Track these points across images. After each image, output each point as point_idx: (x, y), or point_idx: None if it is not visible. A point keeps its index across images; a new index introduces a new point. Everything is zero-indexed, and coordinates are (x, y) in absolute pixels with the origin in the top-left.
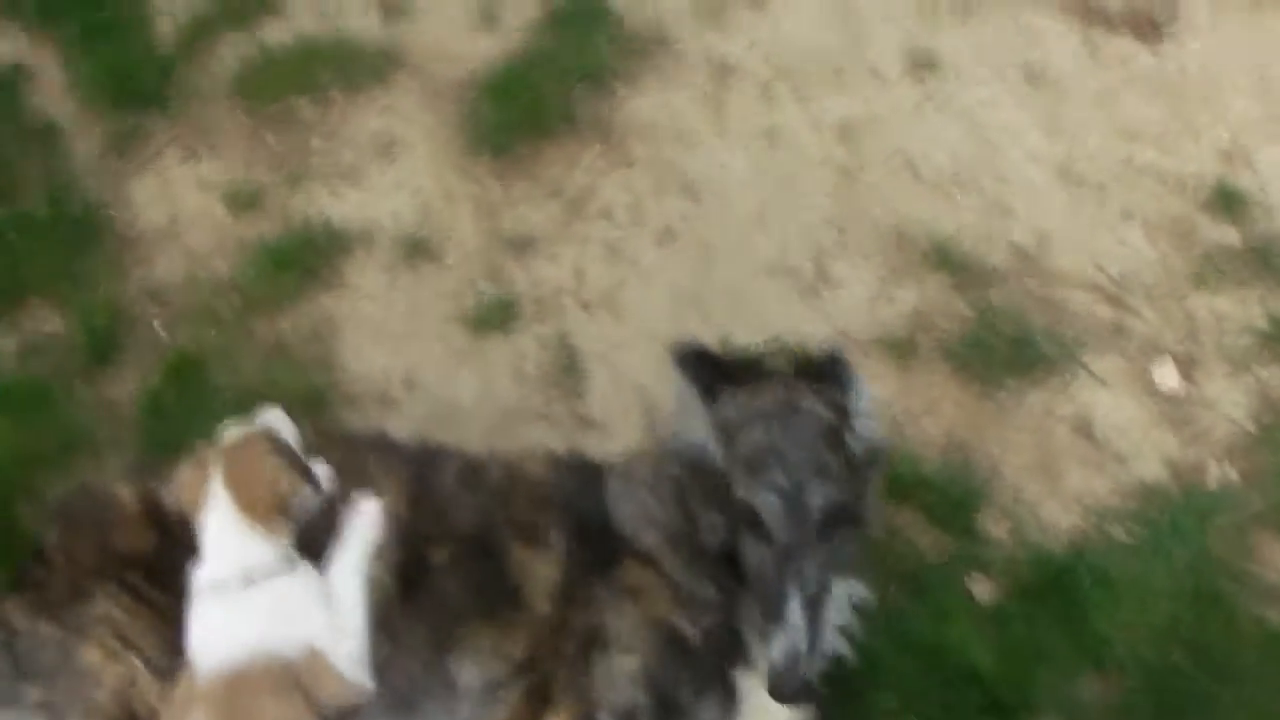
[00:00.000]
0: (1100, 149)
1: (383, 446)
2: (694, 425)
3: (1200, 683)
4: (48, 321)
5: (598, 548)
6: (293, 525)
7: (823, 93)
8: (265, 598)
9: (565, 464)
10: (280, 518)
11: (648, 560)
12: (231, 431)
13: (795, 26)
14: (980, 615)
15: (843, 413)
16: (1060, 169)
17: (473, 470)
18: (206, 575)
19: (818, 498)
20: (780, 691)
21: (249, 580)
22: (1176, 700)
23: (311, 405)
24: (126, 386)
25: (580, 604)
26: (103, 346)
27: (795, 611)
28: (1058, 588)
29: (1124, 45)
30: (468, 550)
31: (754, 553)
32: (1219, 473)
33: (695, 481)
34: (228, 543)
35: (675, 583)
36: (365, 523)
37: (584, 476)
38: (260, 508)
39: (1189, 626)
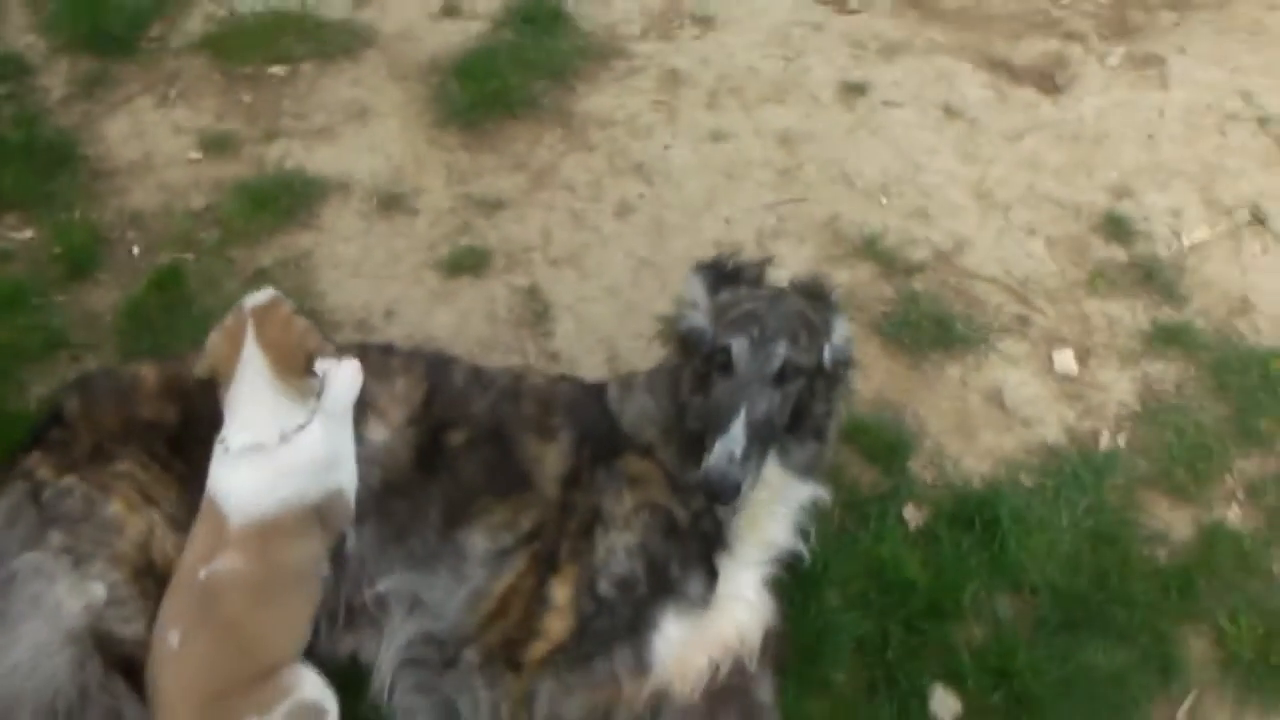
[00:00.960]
0: (1007, 175)
1: (395, 351)
2: (696, 315)
3: (1100, 604)
4: (22, 233)
5: (601, 443)
6: (319, 381)
7: (765, 106)
8: (298, 453)
9: (565, 377)
10: (310, 376)
11: (646, 452)
12: (255, 297)
13: (740, 49)
14: (912, 538)
15: (824, 322)
16: (974, 188)
17: (480, 374)
18: (243, 437)
19: (780, 350)
20: (710, 485)
21: (285, 439)
22: (1081, 617)
23: None
24: (106, 298)
25: (584, 488)
26: (81, 261)
27: (739, 426)
28: (979, 519)
29: (1028, 95)
30: (481, 437)
31: (719, 388)
32: (1110, 441)
33: (688, 367)
34: (264, 404)
35: (669, 472)
36: (347, 376)
37: (584, 388)
38: (293, 368)
39: (1090, 559)
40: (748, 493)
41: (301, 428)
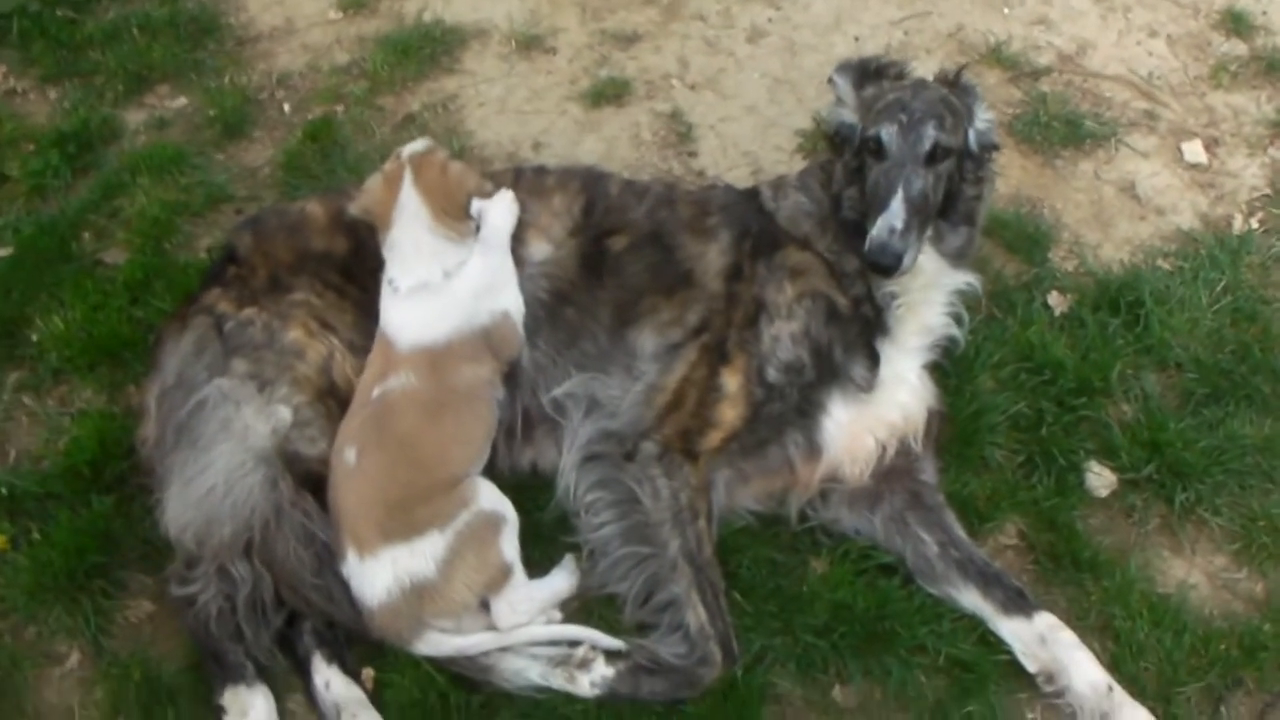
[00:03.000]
0: None
1: (549, 171)
2: (844, 112)
3: (1244, 377)
4: (176, 101)
5: (760, 239)
6: (477, 220)
7: None
8: (462, 286)
9: (717, 182)
10: (468, 218)
11: (804, 244)
12: (413, 146)
13: None
14: (1058, 323)
15: (966, 108)
16: None
17: (634, 185)
18: (409, 279)
19: (930, 131)
20: (874, 257)
21: (447, 275)
22: (1227, 389)
23: None
24: (263, 153)
25: (747, 281)
26: (235, 122)
27: (897, 201)
28: (1121, 301)
29: None
30: (642, 240)
31: (874, 172)
32: (1243, 224)
33: (840, 160)
34: (426, 247)
35: (827, 260)
36: (503, 207)
37: (737, 191)
38: (451, 211)
39: (1231, 335)
40: (909, 265)
41: (462, 264)
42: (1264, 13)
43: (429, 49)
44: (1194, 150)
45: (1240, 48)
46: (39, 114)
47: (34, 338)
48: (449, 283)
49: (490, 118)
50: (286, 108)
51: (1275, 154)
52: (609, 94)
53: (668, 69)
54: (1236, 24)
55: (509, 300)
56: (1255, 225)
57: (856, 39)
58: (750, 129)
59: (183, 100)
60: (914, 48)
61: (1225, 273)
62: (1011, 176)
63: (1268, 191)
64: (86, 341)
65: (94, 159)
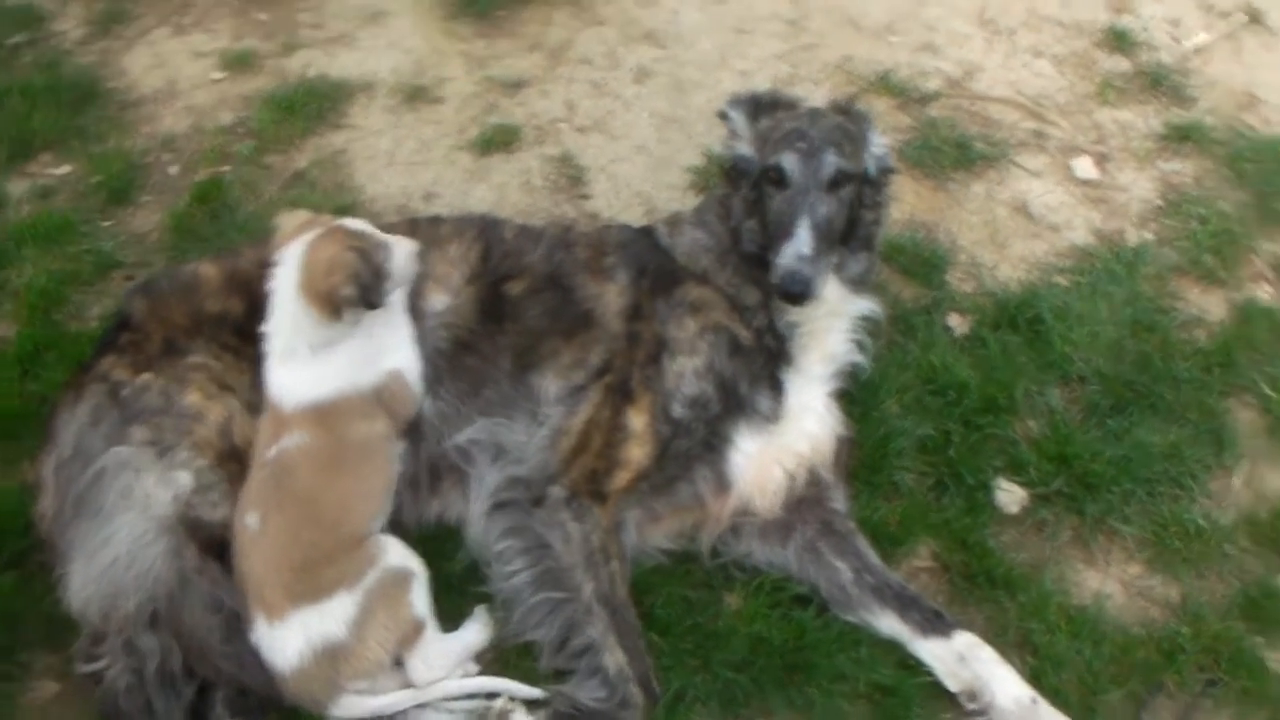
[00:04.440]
0: (1007, 2)
1: (444, 220)
2: (739, 145)
3: (1147, 386)
4: (59, 168)
5: (658, 276)
6: (351, 312)
7: None
8: (338, 357)
9: (612, 222)
10: (335, 311)
11: (703, 279)
12: (317, 221)
13: None
14: (960, 344)
15: (861, 134)
16: (977, 18)
17: (528, 229)
18: (277, 342)
19: (830, 158)
20: (784, 284)
21: (316, 349)
22: (1129, 398)
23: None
24: (151, 218)
25: (647, 319)
26: (121, 187)
27: (804, 229)
28: (1021, 319)
29: None
30: (540, 284)
31: (776, 201)
32: (1137, 236)
33: (737, 194)
34: (295, 321)
35: (727, 294)
36: (407, 253)
37: (633, 230)
38: (320, 299)
39: (1132, 346)
40: (819, 291)
41: (331, 343)
42: (1145, 29)
43: (314, 105)
44: (1084, 166)
45: (1124, 64)
46: None
47: None
48: (321, 355)
49: (379, 171)
50: (173, 171)
51: (1164, 166)
52: (498, 141)
53: (556, 113)
54: (1119, 41)
55: (400, 360)
56: (1149, 237)
57: (743, 74)
58: (642, 169)
59: (66, 168)
60: (801, 79)
61: (1122, 285)
62: (905, 201)
63: (1159, 203)
64: None
65: None
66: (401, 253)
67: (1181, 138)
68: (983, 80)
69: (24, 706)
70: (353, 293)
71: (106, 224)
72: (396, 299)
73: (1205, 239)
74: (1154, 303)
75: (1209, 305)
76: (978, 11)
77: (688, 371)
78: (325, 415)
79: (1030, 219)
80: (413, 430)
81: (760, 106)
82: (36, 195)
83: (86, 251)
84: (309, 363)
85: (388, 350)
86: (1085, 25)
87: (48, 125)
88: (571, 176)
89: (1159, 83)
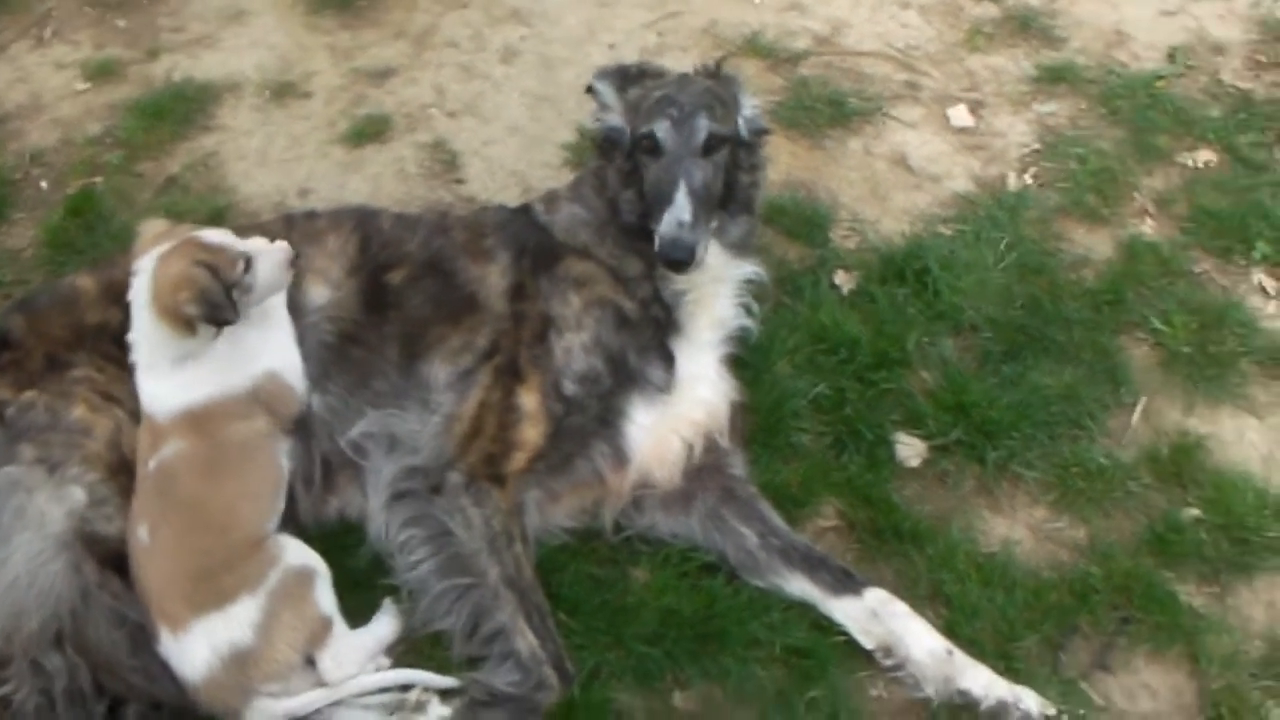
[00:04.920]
0: None
1: (319, 214)
2: (610, 116)
3: (1039, 330)
4: None
5: (538, 254)
6: (205, 325)
7: None
8: (204, 364)
9: (487, 205)
10: (186, 327)
11: (584, 253)
12: (173, 232)
13: None
14: (848, 301)
15: (732, 97)
16: None
17: (405, 217)
18: (142, 355)
19: (702, 122)
20: (666, 252)
21: (178, 360)
22: (1022, 343)
23: (215, 222)
24: (25, 234)
25: (531, 298)
26: None
27: (682, 195)
28: (908, 270)
29: None
30: (421, 270)
31: (652, 170)
32: (1017, 181)
33: (611, 166)
34: (148, 333)
35: (609, 266)
36: (275, 260)
37: (509, 210)
38: (169, 316)
39: (1021, 290)
40: (702, 257)
41: (191, 354)
42: None
43: (182, 109)
44: (959, 115)
45: (992, 10)
46: None
47: None
48: (184, 364)
49: (252, 170)
50: (44, 185)
51: (1040, 109)
52: (369, 132)
53: (425, 99)
54: None
55: (276, 360)
56: (1029, 181)
57: (611, 46)
58: (515, 149)
59: None
60: (670, 48)
61: (1006, 231)
62: (782, 163)
63: (1037, 147)
64: None
65: None
66: (267, 261)
67: (1054, 79)
68: (851, 35)
69: None
70: (199, 311)
71: None
72: (273, 300)
73: (1085, 179)
74: (1039, 246)
75: (1095, 244)
76: None
77: (575, 347)
78: (199, 420)
79: (910, 171)
80: (302, 427)
81: (628, 77)
82: None
83: None
84: (175, 372)
85: (260, 352)
86: None
87: None
88: (445, 162)
89: (1027, 26)
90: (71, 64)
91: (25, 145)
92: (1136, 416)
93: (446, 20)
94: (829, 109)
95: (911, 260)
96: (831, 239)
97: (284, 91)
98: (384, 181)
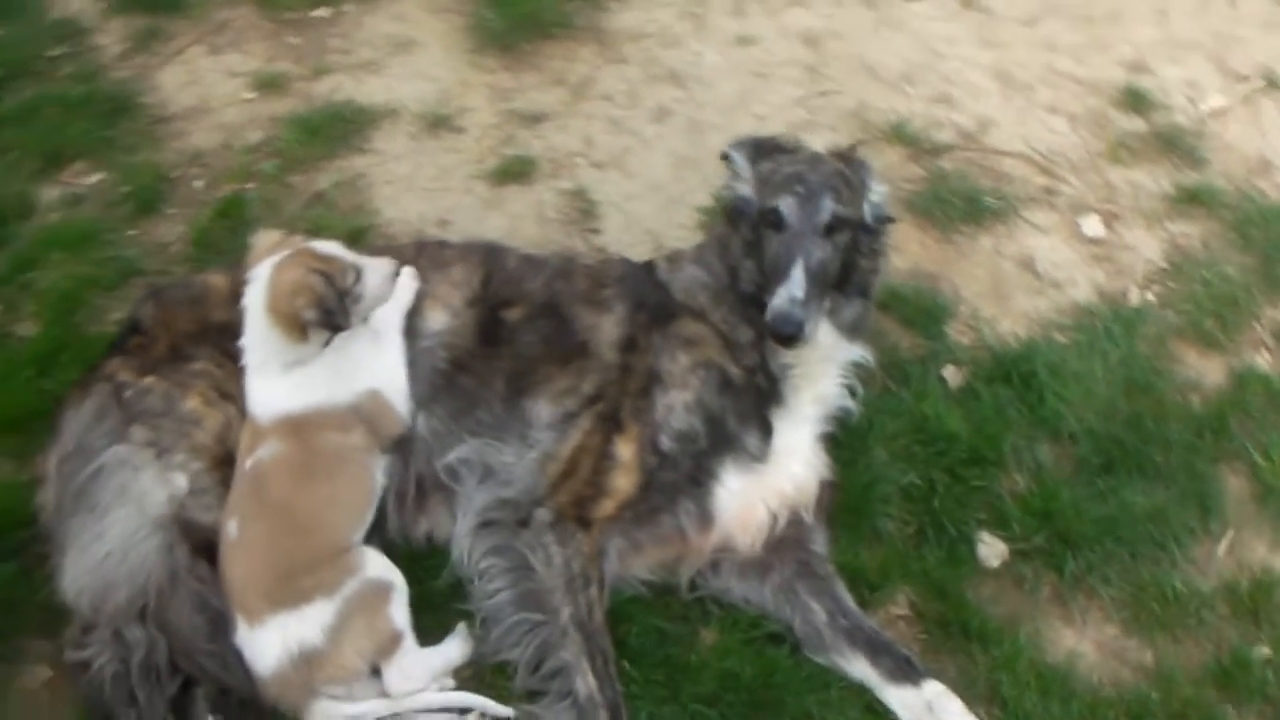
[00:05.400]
0: (1026, 58)
1: (450, 244)
2: (740, 186)
3: (1137, 447)
4: (90, 178)
5: (655, 310)
6: (319, 330)
7: (789, 10)
8: (311, 372)
9: (614, 255)
10: (300, 332)
11: (699, 315)
12: (287, 242)
13: None
14: (953, 396)
15: (860, 181)
16: (994, 72)
17: (531, 257)
18: (253, 359)
19: (827, 203)
20: (776, 327)
21: (287, 366)
22: (1119, 459)
23: (354, 242)
24: (175, 229)
25: (641, 352)
26: (148, 199)
27: (797, 271)
28: (1016, 374)
29: None
30: (538, 311)
31: (773, 243)
32: (1139, 297)
33: (736, 234)
34: (261, 337)
35: (721, 331)
36: (401, 285)
37: (633, 264)
38: (285, 320)
39: (1125, 406)
40: (810, 334)
41: (301, 361)
42: (1162, 90)
43: (339, 128)
44: (1092, 225)
45: (1139, 124)
46: None
47: None
48: (293, 371)
49: (397, 195)
50: (199, 185)
51: (1172, 228)
52: (514, 172)
53: (573, 147)
54: (1136, 101)
55: (380, 380)
56: (1151, 298)
57: (760, 118)
58: (653, 207)
59: (97, 177)
60: (817, 125)
61: (1120, 345)
62: (910, 252)
63: (1164, 265)
64: None
65: (6, 234)
66: (376, 274)
67: (1191, 200)
68: (996, 134)
69: (16, 690)
70: (315, 316)
71: (131, 233)
72: (388, 321)
73: (1207, 303)
74: (1151, 364)
75: (1207, 370)
76: (995, 66)
77: (677, 405)
78: (297, 426)
79: (1035, 275)
80: (402, 446)
81: (762, 150)
82: (66, 203)
83: (110, 258)
84: (282, 377)
85: (367, 369)
86: (1102, 84)
87: (81, 136)
88: (583, 210)
89: (1173, 144)
90: (242, 73)
91: (187, 145)
92: (1222, 547)
93: (605, 73)
94: (964, 204)
95: (1021, 363)
96: (947, 333)
97: (438, 123)
98: (522, 222)
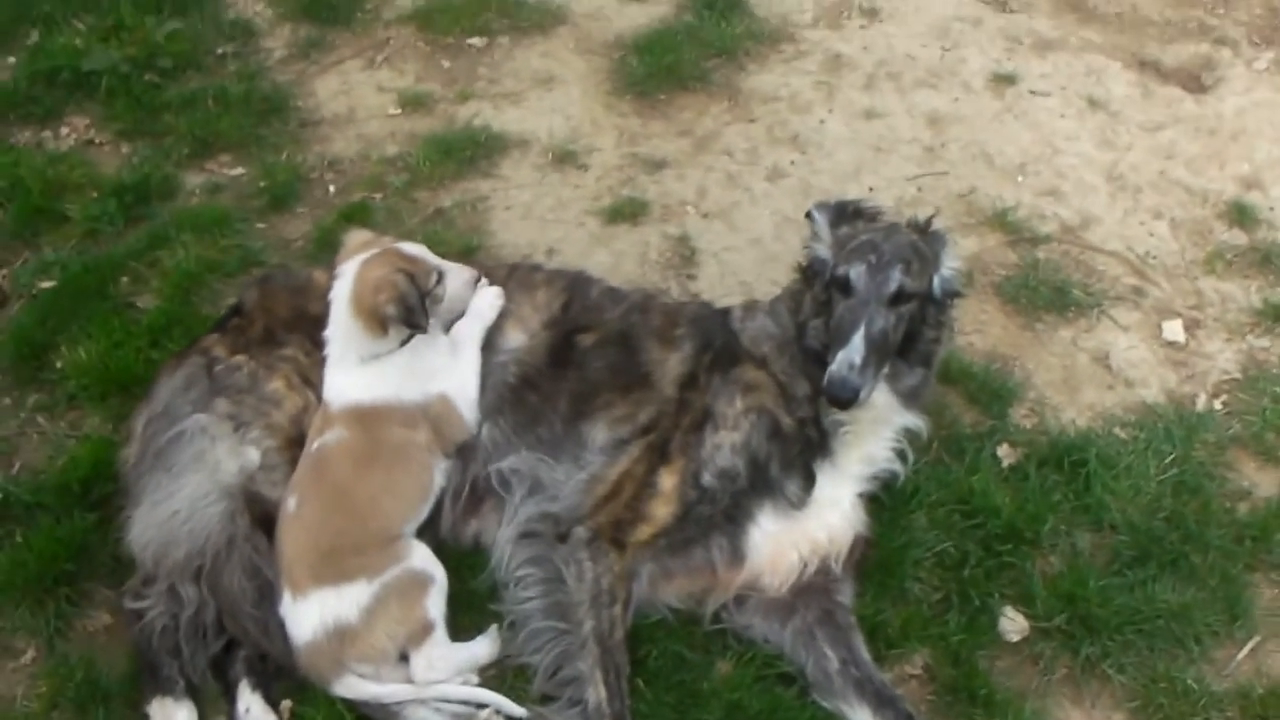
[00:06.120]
0: (1141, 162)
1: (541, 269)
2: (819, 247)
3: (1174, 544)
4: (233, 169)
5: (720, 354)
6: (398, 327)
7: (919, 90)
8: (386, 368)
9: (694, 299)
10: (380, 327)
11: (761, 363)
12: (376, 242)
13: (901, 39)
14: (1003, 474)
15: (934, 255)
16: (1107, 172)
17: (614, 290)
18: (334, 350)
19: (896, 274)
20: (833, 389)
21: (365, 359)
22: (1154, 553)
23: (464, 259)
24: (300, 228)
25: (700, 391)
26: (282, 196)
27: (859, 338)
28: (1068, 461)
29: (1172, 92)
30: (610, 340)
31: (840, 307)
32: (1207, 403)
33: (810, 291)
34: (343, 329)
35: (780, 381)
36: (486, 302)
37: (710, 308)
38: (367, 315)
39: (1171, 505)
40: (865, 400)
41: (379, 356)
42: (1270, 208)
43: (471, 152)
44: (1174, 329)
45: (1240, 238)
46: (109, 165)
47: (58, 364)
48: (369, 365)
49: (513, 221)
50: (331, 189)
51: (1253, 342)
52: (627, 212)
53: (686, 196)
54: (1241, 216)
55: (451, 387)
56: (1218, 406)
57: (871, 189)
58: (751, 261)
59: (239, 170)
60: (925, 204)
61: (1178, 446)
62: (991, 334)
63: (1237, 376)
64: (103, 373)
65: (147, 211)
66: (456, 279)
67: (1277, 317)
68: (1096, 231)
69: (78, 629)
70: (396, 312)
71: (260, 225)
72: (468, 334)
73: (1273, 417)
74: (1205, 468)
75: (1260, 481)
76: (1109, 166)
77: (725, 445)
78: (365, 417)
79: (1108, 370)
80: (464, 451)
81: (844, 214)
82: (206, 190)
83: (236, 246)
84: (358, 369)
85: (439, 374)
86: (1211, 195)
87: (232, 129)
88: (685, 256)
89: (1269, 260)
90: (391, 89)
91: (327, 150)
92: (1244, 652)
93: (730, 130)
94: (1051, 294)
95: (1075, 450)
96: (1010, 414)
97: (565, 158)
98: (624, 260)
